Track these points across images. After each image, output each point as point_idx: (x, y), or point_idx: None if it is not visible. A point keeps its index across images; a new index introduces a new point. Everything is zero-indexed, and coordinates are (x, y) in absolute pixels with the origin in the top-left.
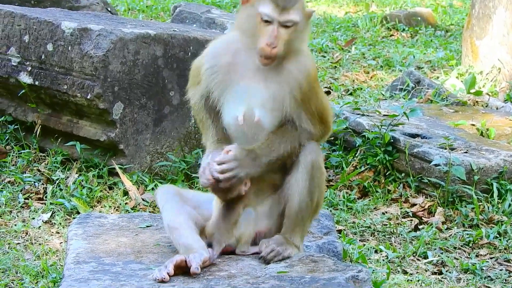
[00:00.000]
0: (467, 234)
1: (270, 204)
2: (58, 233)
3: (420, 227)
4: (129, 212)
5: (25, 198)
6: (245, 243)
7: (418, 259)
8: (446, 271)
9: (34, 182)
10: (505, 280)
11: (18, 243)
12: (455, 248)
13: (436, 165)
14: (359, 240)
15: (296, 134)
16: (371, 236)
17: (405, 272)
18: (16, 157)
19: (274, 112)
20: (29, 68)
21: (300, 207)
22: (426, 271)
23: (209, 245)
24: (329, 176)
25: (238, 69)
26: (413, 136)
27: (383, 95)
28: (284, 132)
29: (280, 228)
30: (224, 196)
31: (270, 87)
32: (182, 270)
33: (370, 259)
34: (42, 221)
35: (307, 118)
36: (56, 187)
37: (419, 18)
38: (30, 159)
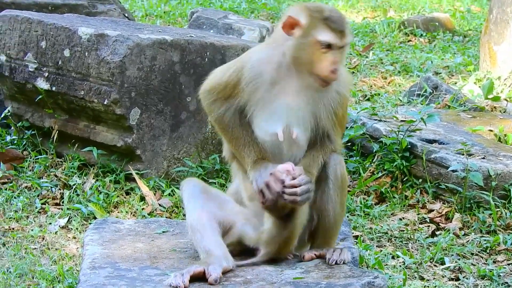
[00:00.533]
0: (485, 240)
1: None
2: (75, 238)
3: (437, 233)
4: (145, 218)
5: (42, 203)
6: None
7: (435, 265)
8: (463, 277)
9: (51, 187)
10: None
11: (35, 248)
12: (472, 254)
13: (453, 171)
14: (376, 246)
15: (328, 148)
16: (388, 242)
17: (422, 278)
18: (33, 162)
19: (310, 129)
20: (46, 74)
21: (335, 220)
22: (443, 277)
23: (251, 250)
24: None
25: (281, 86)
26: (431, 142)
27: (401, 100)
28: (321, 147)
29: (305, 238)
30: (278, 213)
31: (310, 105)
32: (200, 279)
33: (386, 265)
34: (59, 226)
35: (337, 132)
36: (73, 193)
37: (437, 24)
38: (47, 164)
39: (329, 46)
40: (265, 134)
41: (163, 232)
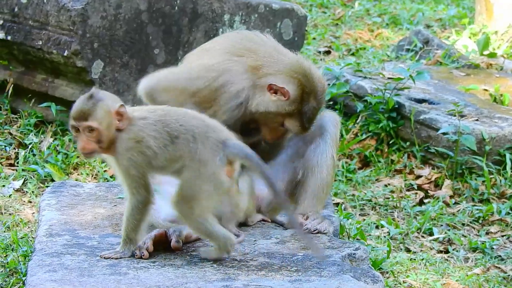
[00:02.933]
0: (477, 209)
1: (281, 170)
2: (30, 202)
3: (425, 201)
4: (108, 181)
5: None
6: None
7: (422, 236)
8: (453, 250)
9: (5, 146)
10: None
11: None
12: (463, 224)
13: (444, 133)
14: (359, 215)
15: None
16: (371, 210)
17: (408, 250)
18: None
19: None
20: (1, 22)
21: (327, 180)
22: (431, 249)
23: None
24: None
25: None
26: (420, 101)
27: (388, 56)
28: None
29: (291, 196)
30: None
31: None
32: (163, 245)
33: (370, 235)
34: (13, 189)
35: None
36: (29, 152)
37: None
38: (0, 121)
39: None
40: None
41: None
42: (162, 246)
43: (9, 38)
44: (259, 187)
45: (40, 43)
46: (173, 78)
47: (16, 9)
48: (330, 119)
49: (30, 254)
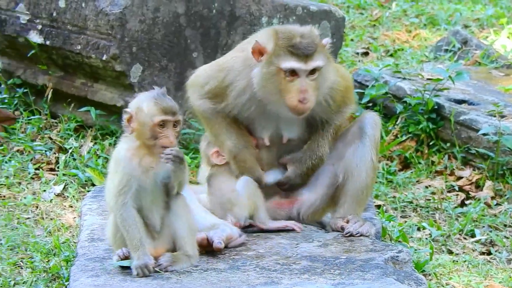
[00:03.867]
0: None
1: (322, 173)
2: (71, 207)
3: (466, 202)
4: None
5: (35, 169)
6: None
7: (464, 238)
8: (496, 251)
9: (45, 151)
10: None
11: (28, 218)
12: (505, 225)
13: (484, 134)
14: (400, 217)
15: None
16: (413, 212)
17: (450, 252)
18: (25, 123)
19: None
20: (40, 27)
21: (367, 183)
22: (474, 251)
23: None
24: None
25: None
26: (459, 102)
27: (427, 56)
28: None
29: (328, 200)
30: None
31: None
32: (205, 249)
33: (411, 237)
34: (54, 193)
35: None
36: (69, 157)
37: None
38: (40, 125)
39: (294, 73)
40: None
41: None
42: (204, 250)
43: (48, 43)
44: (300, 192)
45: (79, 48)
46: (197, 74)
47: (54, 14)
48: (369, 120)
49: (73, 259)
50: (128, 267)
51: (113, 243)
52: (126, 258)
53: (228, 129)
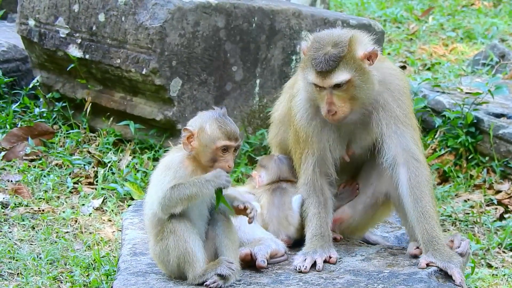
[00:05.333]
0: None
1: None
2: (110, 221)
3: (505, 216)
4: None
5: (74, 183)
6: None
7: (503, 252)
8: None
9: (84, 165)
10: None
11: (67, 232)
12: None
13: None
14: None
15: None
16: (452, 225)
17: (489, 266)
18: (64, 137)
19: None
20: (79, 40)
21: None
22: None
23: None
24: None
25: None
26: (498, 116)
27: (464, 70)
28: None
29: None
30: None
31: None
32: (248, 264)
33: None
34: (93, 207)
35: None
36: (108, 171)
37: None
38: (79, 139)
39: (318, 86)
40: None
41: None
42: (247, 265)
43: (87, 56)
44: (342, 209)
45: (118, 62)
46: None
47: (94, 28)
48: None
49: (114, 273)
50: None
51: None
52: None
53: None
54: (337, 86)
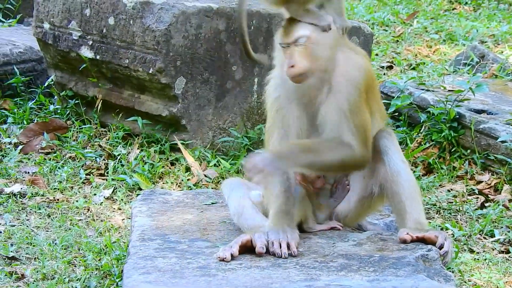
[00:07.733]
0: None
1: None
2: (120, 209)
3: (486, 204)
4: (191, 189)
5: (86, 174)
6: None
7: (484, 238)
8: None
9: (95, 157)
10: None
11: (80, 220)
12: None
13: (502, 141)
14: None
15: None
16: (436, 214)
17: (471, 251)
18: (77, 132)
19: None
20: (90, 42)
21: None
22: (493, 250)
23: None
24: None
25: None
26: (479, 112)
27: (447, 69)
28: None
29: (362, 209)
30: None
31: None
32: (249, 249)
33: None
34: (104, 197)
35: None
36: (118, 163)
37: None
38: (91, 134)
39: (284, 46)
40: None
41: (212, 203)
42: (248, 250)
43: (98, 57)
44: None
45: (127, 62)
46: None
47: (104, 31)
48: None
49: (124, 257)
50: None
51: None
52: None
53: None
54: (299, 43)
